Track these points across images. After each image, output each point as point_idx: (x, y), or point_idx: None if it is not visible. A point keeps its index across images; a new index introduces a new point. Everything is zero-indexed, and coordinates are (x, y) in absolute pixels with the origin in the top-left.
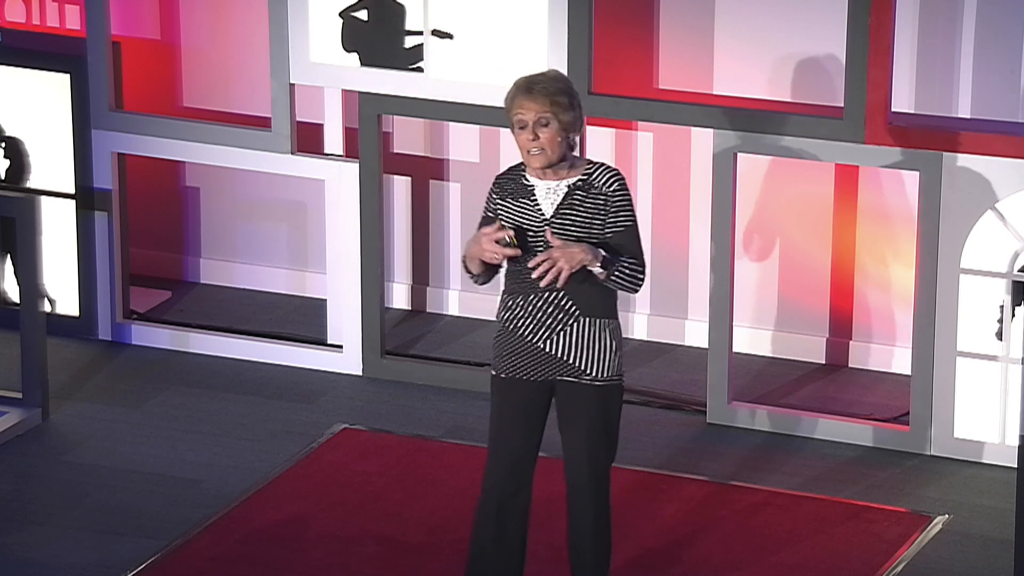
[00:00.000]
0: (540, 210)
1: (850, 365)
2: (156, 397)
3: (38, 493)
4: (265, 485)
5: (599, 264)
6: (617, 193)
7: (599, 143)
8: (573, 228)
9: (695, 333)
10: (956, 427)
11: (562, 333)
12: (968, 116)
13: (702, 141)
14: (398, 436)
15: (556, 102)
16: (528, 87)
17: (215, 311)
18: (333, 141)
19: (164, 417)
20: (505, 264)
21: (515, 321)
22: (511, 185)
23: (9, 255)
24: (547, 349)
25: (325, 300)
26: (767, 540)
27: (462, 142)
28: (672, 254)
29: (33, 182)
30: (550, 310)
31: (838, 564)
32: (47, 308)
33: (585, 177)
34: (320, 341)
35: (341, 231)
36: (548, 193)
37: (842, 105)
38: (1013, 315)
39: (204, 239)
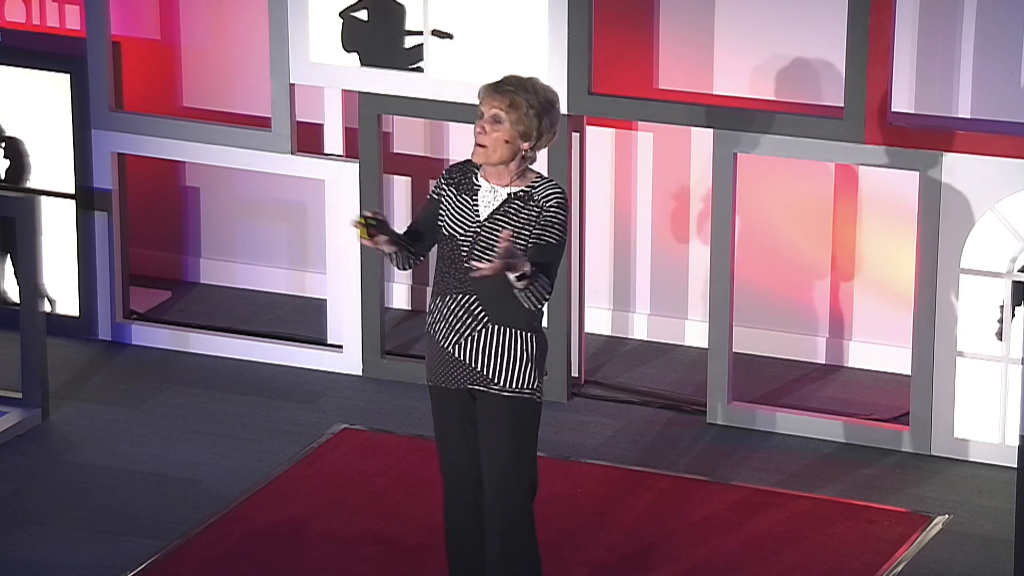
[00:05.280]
0: (476, 211)
1: (850, 365)
2: (156, 397)
3: (38, 493)
4: (265, 485)
5: (518, 274)
6: (552, 209)
7: (599, 143)
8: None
9: (695, 333)
10: (956, 427)
11: (470, 338)
12: (968, 116)
13: (702, 141)
14: (398, 436)
15: (515, 104)
16: (498, 84)
17: (215, 311)
18: (333, 141)
19: (164, 417)
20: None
21: (433, 324)
22: (460, 176)
23: (9, 255)
24: (455, 354)
25: (325, 300)
26: (767, 540)
27: (462, 142)
28: (672, 254)
29: (33, 182)
30: (460, 313)
31: (838, 564)
32: (47, 308)
33: (528, 189)
34: (320, 341)
35: (341, 231)
36: (489, 196)
37: (842, 105)
38: (1013, 315)
39: (204, 239)
